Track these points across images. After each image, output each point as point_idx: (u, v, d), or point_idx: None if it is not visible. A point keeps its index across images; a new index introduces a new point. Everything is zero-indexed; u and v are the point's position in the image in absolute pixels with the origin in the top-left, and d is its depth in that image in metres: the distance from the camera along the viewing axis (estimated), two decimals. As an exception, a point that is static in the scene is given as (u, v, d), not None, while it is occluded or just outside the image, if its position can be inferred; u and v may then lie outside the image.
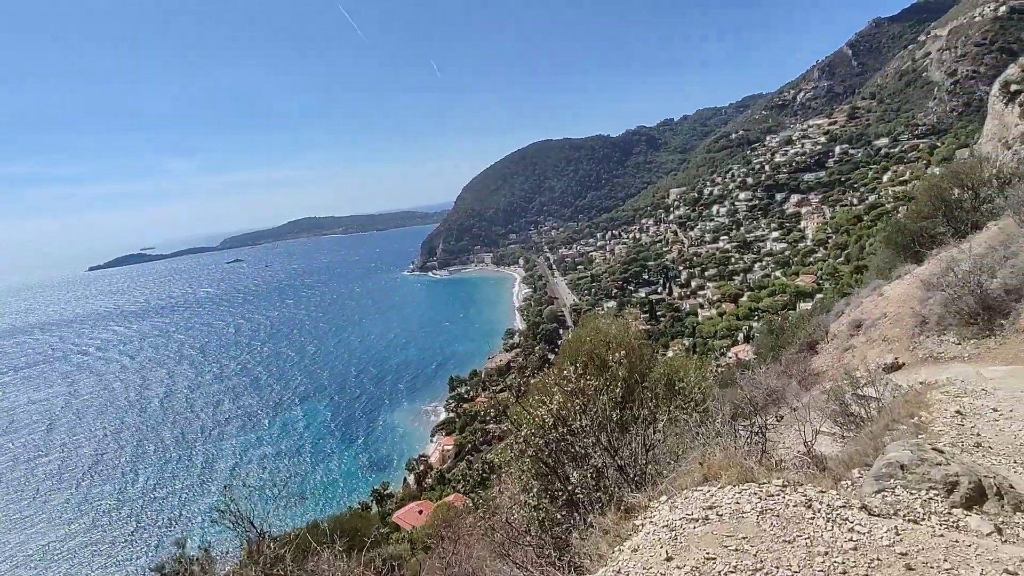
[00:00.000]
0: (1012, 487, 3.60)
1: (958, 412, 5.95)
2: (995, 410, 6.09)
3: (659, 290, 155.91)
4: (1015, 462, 4.75)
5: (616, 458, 6.76)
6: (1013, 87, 71.49)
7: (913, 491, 3.63)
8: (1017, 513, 3.53)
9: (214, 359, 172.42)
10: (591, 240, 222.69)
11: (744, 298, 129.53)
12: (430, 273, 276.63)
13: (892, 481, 3.72)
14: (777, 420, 7.69)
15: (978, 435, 5.38)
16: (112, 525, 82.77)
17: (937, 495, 3.55)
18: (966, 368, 10.51)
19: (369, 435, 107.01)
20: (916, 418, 5.95)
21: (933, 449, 3.72)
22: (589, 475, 6.71)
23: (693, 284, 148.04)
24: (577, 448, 7.41)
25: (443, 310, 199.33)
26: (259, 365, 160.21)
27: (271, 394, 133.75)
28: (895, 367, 12.20)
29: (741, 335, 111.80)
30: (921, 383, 10.62)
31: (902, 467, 3.56)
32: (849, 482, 4.37)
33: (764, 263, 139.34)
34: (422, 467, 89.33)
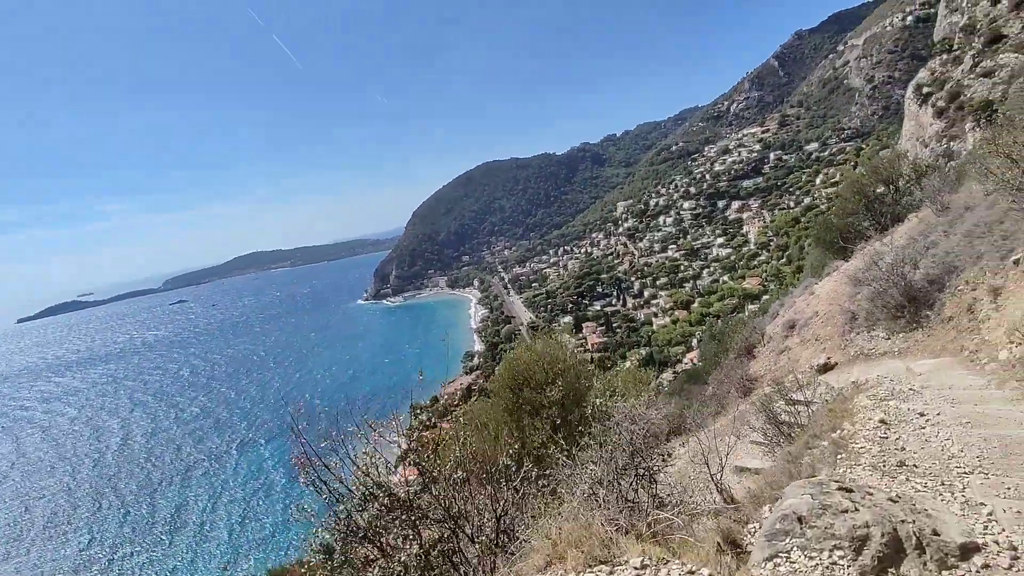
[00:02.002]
0: (936, 533, 2.92)
1: (882, 422, 5.36)
2: (922, 415, 5.53)
3: (613, 302, 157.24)
4: (942, 483, 4.14)
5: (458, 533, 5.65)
6: (925, 90, 75.50)
7: (813, 553, 2.88)
8: (943, 573, 2.83)
9: (170, 403, 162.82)
10: (544, 257, 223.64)
11: (695, 304, 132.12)
12: (384, 301, 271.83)
13: (788, 541, 2.96)
14: (664, 460, 6.95)
15: (903, 449, 4.77)
16: None
17: (843, 557, 2.81)
18: (896, 364, 10.16)
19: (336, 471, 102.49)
20: (838, 431, 5.34)
21: (840, 489, 3.01)
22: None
23: (646, 294, 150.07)
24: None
25: (400, 337, 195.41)
26: (219, 406, 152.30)
27: (234, 434, 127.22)
28: (828, 367, 11.82)
29: (695, 341, 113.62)
30: (853, 382, 10.20)
31: (800, 519, 2.83)
32: (757, 524, 3.64)
33: (712, 269, 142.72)
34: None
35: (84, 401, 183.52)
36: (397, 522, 5.36)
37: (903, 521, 2.75)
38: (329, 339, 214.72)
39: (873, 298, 11.78)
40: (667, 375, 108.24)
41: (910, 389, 6.97)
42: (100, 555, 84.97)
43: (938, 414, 5.49)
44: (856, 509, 2.77)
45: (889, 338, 11.41)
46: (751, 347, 16.31)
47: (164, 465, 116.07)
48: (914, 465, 4.40)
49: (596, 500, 5.34)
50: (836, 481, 3.07)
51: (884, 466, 4.39)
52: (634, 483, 5.90)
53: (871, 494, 2.96)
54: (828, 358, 11.99)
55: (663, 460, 6.79)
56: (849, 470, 4.41)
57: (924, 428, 5.16)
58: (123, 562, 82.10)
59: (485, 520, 5.63)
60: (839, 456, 4.71)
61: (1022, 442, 4.54)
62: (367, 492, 5.64)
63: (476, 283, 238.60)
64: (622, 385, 16.44)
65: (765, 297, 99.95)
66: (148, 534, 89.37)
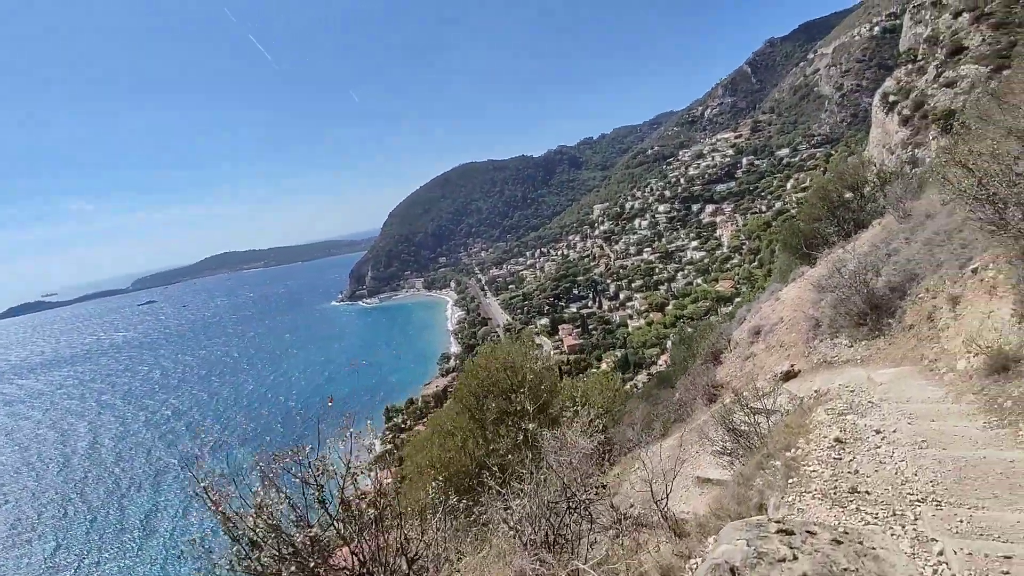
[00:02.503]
0: (881, 580, 2.67)
1: (837, 440, 5.16)
2: (878, 432, 5.35)
3: (589, 304, 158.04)
4: (893, 514, 3.93)
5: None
6: (891, 98, 77.11)
7: (744, 613, 2.64)
8: (887, 632, 2.61)
9: (139, 406, 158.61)
10: (520, 259, 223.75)
11: (670, 307, 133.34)
12: (360, 302, 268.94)
13: (717, 598, 2.72)
14: (599, 491, 6.66)
15: (856, 472, 4.56)
16: None
17: (777, 618, 2.56)
18: (858, 372, 10.08)
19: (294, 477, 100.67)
20: (793, 450, 5.12)
21: (779, 532, 2.73)
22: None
23: (621, 296, 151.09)
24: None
25: (376, 338, 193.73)
26: (191, 408, 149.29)
27: (206, 438, 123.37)
28: (791, 375, 11.72)
29: (669, 343, 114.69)
30: (815, 392, 10.08)
31: (732, 571, 2.55)
32: (698, 560, 3.38)
33: (686, 271, 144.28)
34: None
35: (49, 404, 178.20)
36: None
37: (845, 570, 2.49)
38: (304, 340, 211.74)
39: (836, 305, 11.72)
40: (642, 376, 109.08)
41: (869, 402, 6.82)
42: (67, 562, 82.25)
43: (894, 431, 5.31)
44: (795, 557, 2.49)
45: (852, 346, 11.35)
46: (718, 353, 16.22)
47: (134, 469, 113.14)
48: (866, 492, 4.18)
49: (521, 539, 5.03)
50: (776, 523, 2.79)
51: (835, 493, 4.17)
52: (566, 518, 5.59)
53: (813, 535, 2.70)
54: (792, 365, 11.90)
55: (597, 492, 6.45)
56: (799, 497, 4.18)
57: (879, 447, 4.97)
58: (90, 569, 79.57)
59: (396, 565, 5.22)
60: (790, 480, 4.48)
61: (975, 465, 4.37)
62: (254, 540, 4.92)
63: (453, 284, 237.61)
64: (588, 392, 16.22)
65: (737, 300, 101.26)
66: (116, 541, 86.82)
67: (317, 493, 5.07)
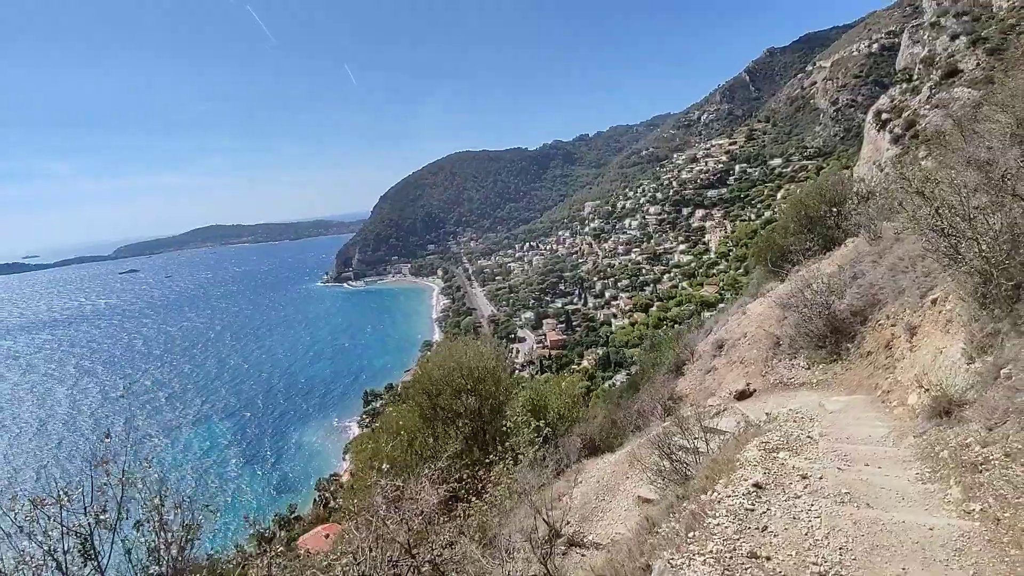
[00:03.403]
0: None
1: (756, 486, 4.76)
2: (804, 477, 4.96)
3: (575, 300, 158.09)
4: (789, 588, 3.55)
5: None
6: (884, 116, 77.22)
7: None
8: None
9: (121, 374, 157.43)
10: (509, 251, 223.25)
11: (654, 308, 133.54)
12: (345, 284, 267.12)
13: None
14: (450, 546, 6.22)
15: (763, 530, 4.14)
16: None
17: None
18: (811, 397, 9.76)
19: (279, 454, 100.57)
20: (709, 493, 4.72)
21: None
22: None
23: (607, 295, 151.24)
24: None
25: (359, 322, 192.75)
26: (174, 379, 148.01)
27: (188, 409, 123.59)
28: (745, 394, 11.39)
29: (638, 349, 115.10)
30: (766, 414, 9.73)
31: None
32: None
33: (672, 274, 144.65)
34: (332, 488, 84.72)
35: (27, 366, 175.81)
36: None
37: None
38: (289, 319, 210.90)
39: (797, 325, 11.40)
40: (621, 376, 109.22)
41: (808, 437, 6.45)
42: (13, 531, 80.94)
43: (821, 478, 4.93)
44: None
45: (809, 368, 11.04)
46: (681, 364, 15.89)
47: (113, 436, 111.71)
48: (766, 557, 3.77)
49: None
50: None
51: (731, 556, 3.75)
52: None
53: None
54: (747, 384, 11.57)
55: (449, 547, 5.98)
56: (689, 560, 3.76)
57: (799, 498, 4.57)
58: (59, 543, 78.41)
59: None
60: (691, 534, 4.08)
61: (892, 531, 3.98)
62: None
63: (440, 272, 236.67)
64: (546, 396, 15.82)
65: (721, 305, 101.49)
66: (95, 509, 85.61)
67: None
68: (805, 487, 4.77)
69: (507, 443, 9.89)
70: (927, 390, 7.08)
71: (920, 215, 6.24)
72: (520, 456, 10.19)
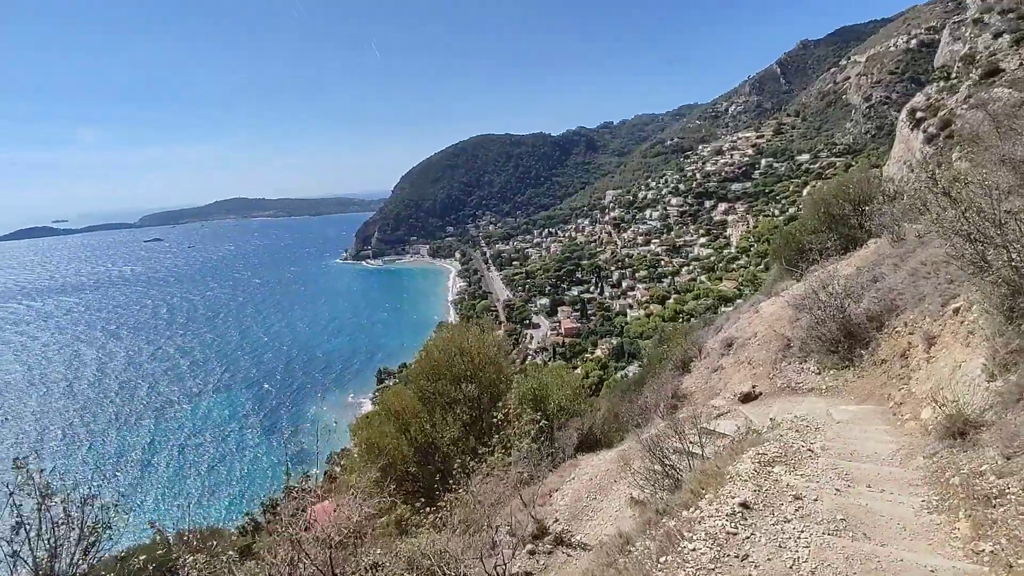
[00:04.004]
0: None
1: (744, 505, 4.37)
2: (797, 498, 4.55)
3: (591, 289, 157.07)
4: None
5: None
6: (918, 114, 74.91)
7: None
8: None
9: (146, 339, 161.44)
10: (528, 237, 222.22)
11: (671, 300, 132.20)
12: (364, 262, 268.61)
13: None
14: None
15: (744, 558, 3.75)
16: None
17: None
18: (819, 404, 9.28)
19: (292, 427, 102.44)
20: (691, 509, 4.35)
21: None
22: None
23: (624, 284, 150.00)
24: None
25: (377, 300, 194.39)
26: (197, 347, 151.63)
27: (195, 381, 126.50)
28: (750, 397, 10.94)
29: (649, 341, 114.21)
30: (770, 420, 9.30)
31: None
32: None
33: (691, 267, 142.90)
34: (342, 463, 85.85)
35: (56, 328, 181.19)
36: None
37: None
38: (310, 294, 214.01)
39: (810, 328, 10.87)
40: (634, 367, 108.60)
41: (808, 450, 6.02)
42: (61, 486, 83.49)
43: (816, 500, 4.51)
44: None
45: (819, 373, 10.54)
46: (688, 360, 15.42)
47: (135, 401, 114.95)
48: (740, 595, 3.41)
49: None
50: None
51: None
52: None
53: None
54: (753, 387, 11.11)
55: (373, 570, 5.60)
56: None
57: (789, 523, 4.16)
58: (64, 492, 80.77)
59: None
60: (663, 559, 3.71)
61: (886, 571, 3.56)
62: None
63: (457, 255, 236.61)
64: (547, 386, 15.47)
65: (739, 301, 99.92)
66: (113, 469, 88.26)
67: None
68: (797, 510, 4.36)
69: (498, 435, 9.60)
70: (942, 406, 6.60)
71: (945, 218, 5.72)
72: (512, 449, 9.90)
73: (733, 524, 4.11)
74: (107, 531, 5.19)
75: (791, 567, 3.69)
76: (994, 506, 3.95)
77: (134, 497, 79.34)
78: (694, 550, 3.83)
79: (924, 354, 8.12)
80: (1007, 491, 3.99)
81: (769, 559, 3.78)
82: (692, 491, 4.77)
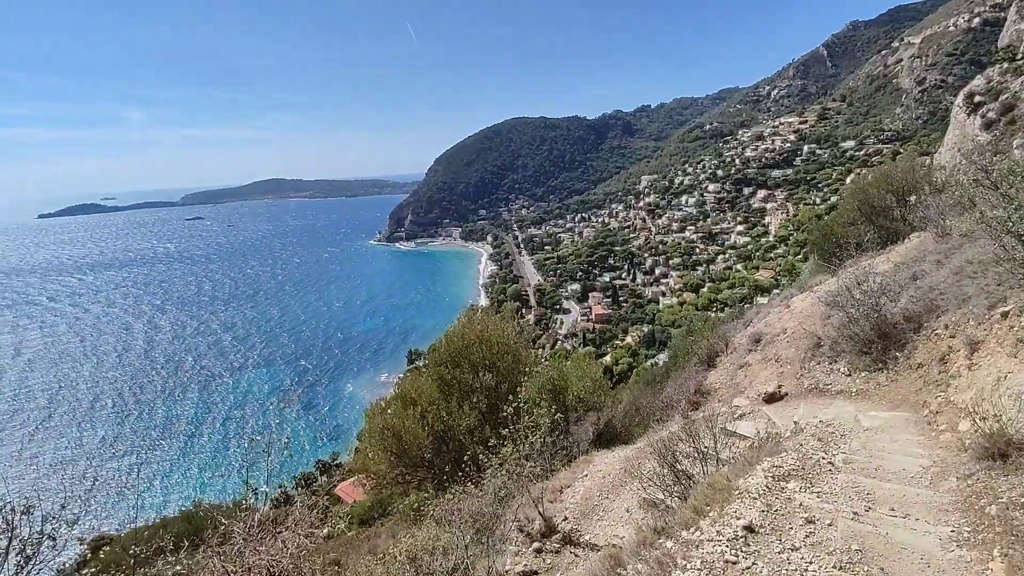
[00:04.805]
0: None
1: (748, 529, 3.99)
2: (810, 522, 4.14)
3: (623, 276, 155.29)
4: None
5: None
6: (977, 98, 71.04)
7: None
8: None
9: (191, 314, 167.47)
10: (560, 221, 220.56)
11: (705, 289, 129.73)
12: (397, 244, 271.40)
13: None
14: None
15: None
16: (69, 481, 78.03)
17: None
18: (847, 408, 8.74)
19: (328, 403, 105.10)
20: (691, 530, 4.00)
21: None
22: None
23: (657, 272, 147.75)
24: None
25: (411, 282, 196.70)
26: (226, 325, 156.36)
27: (240, 354, 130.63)
28: (775, 397, 10.40)
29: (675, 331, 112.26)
30: (795, 423, 8.85)
31: None
32: None
33: (727, 255, 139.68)
34: (354, 448, 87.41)
35: (108, 301, 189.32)
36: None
37: None
38: (346, 273, 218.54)
39: (842, 327, 10.25)
40: (664, 355, 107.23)
41: (828, 463, 5.57)
42: (112, 452, 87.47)
43: (830, 524, 4.10)
44: None
45: (850, 375, 9.94)
46: (714, 355, 14.87)
47: (182, 373, 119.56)
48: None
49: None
50: None
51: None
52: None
53: None
54: (779, 386, 10.57)
55: None
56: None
57: (796, 551, 3.76)
58: (120, 459, 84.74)
59: None
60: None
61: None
62: None
63: (489, 238, 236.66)
64: (567, 377, 15.15)
65: (775, 291, 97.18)
66: (145, 435, 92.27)
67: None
68: (807, 536, 3.97)
69: (509, 429, 9.35)
70: (983, 419, 6.05)
71: (993, 217, 5.14)
72: (523, 443, 9.65)
73: (734, 551, 3.75)
74: (49, 542, 5.06)
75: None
76: (1034, 546, 3.50)
77: (181, 464, 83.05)
78: (684, 582, 3.51)
79: (966, 360, 7.50)
80: (1050, 529, 3.54)
81: (766, 597, 3.42)
82: (695, 508, 4.42)
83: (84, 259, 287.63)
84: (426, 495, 13.24)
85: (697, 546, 3.81)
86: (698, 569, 3.60)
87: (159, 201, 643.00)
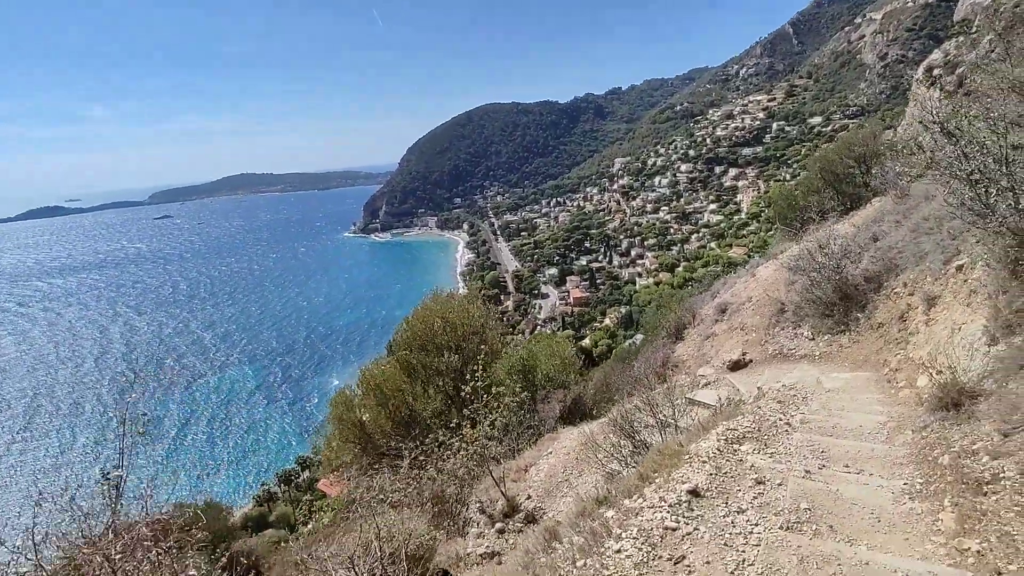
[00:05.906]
0: None
1: (693, 493, 3.77)
2: (759, 482, 3.94)
3: (600, 258, 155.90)
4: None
5: None
6: (935, 71, 72.35)
7: None
8: None
9: (170, 314, 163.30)
10: (536, 207, 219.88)
11: (680, 268, 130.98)
12: (372, 236, 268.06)
13: None
14: None
15: (678, 561, 3.11)
16: (51, 488, 75.74)
17: None
18: (810, 371, 8.65)
19: (314, 398, 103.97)
20: (633, 498, 3.77)
21: None
22: None
23: (633, 253, 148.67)
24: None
25: (390, 273, 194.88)
26: (219, 321, 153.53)
27: (223, 351, 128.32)
28: (740, 364, 10.30)
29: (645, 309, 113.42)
30: (758, 388, 8.72)
31: None
32: None
33: (701, 234, 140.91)
34: (318, 439, 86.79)
35: (81, 304, 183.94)
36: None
37: None
38: (324, 267, 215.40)
39: (804, 291, 10.16)
40: (641, 335, 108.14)
41: (786, 424, 5.40)
42: (94, 455, 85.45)
43: (780, 484, 3.90)
44: None
45: (813, 338, 9.87)
46: (681, 328, 14.77)
47: (164, 372, 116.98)
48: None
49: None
50: None
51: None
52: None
53: None
54: (744, 353, 10.47)
55: None
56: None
57: (742, 514, 3.55)
58: (104, 462, 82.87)
59: None
60: (581, 562, 3.13)
61: (848, 575, 2.98)
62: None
63: (465, 226, 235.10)
64: (536, 356, 14.93)
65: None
66: (144, 442, 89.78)
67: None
68: (755, 498, 3.76)
69: (468, 408, 9.09)
70: (939, 372, 5.94)
71: (940, 157, 4.96)
72: (484, 423, 9.41)
73: (675, 517, 3.51)
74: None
75: (732, 572, 3.09)
76: (985, 493, 3.31)
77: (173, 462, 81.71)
78: (619, 551, 3.24)
79: (924, 316, 7.43)
80: (1001, 475, 3.35)
81: (708, 562, 3.17)
82: (640, 475, 4.20)
83: (52, 263, 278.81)
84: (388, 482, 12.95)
85: (636, 514, 3.57)
86: (634, 538, 3.35)
87: (126, 201, 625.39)
